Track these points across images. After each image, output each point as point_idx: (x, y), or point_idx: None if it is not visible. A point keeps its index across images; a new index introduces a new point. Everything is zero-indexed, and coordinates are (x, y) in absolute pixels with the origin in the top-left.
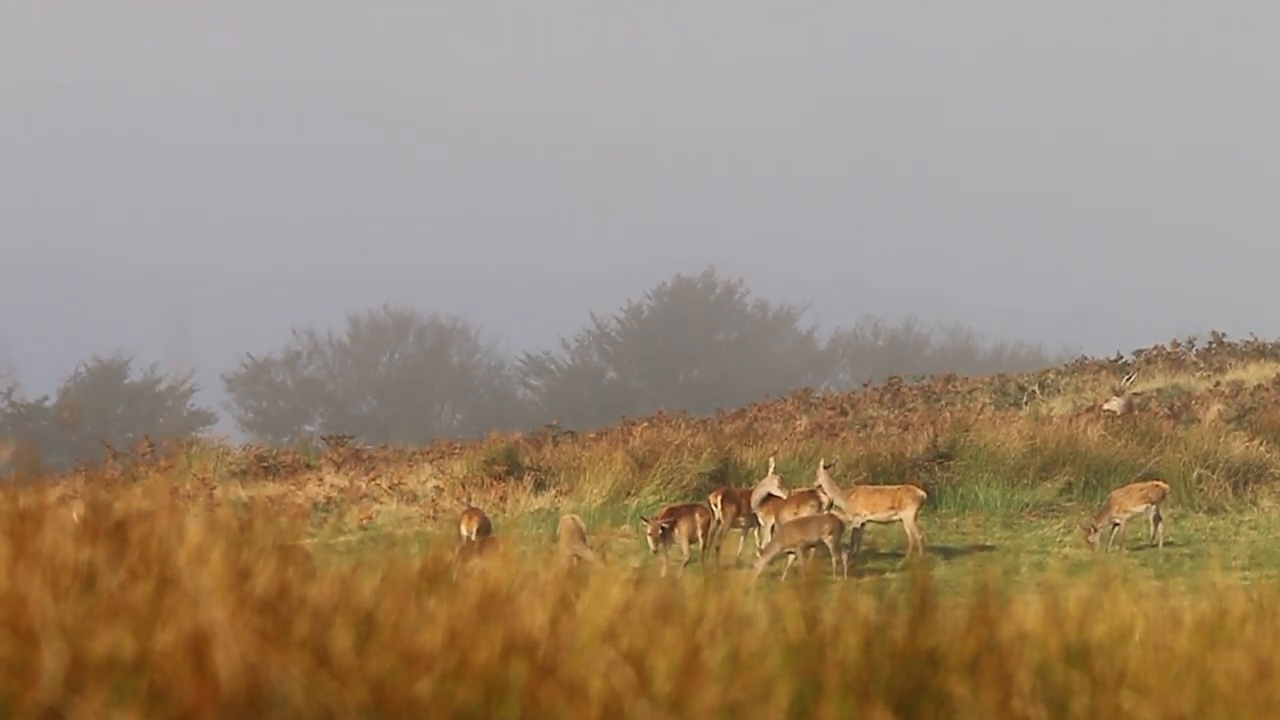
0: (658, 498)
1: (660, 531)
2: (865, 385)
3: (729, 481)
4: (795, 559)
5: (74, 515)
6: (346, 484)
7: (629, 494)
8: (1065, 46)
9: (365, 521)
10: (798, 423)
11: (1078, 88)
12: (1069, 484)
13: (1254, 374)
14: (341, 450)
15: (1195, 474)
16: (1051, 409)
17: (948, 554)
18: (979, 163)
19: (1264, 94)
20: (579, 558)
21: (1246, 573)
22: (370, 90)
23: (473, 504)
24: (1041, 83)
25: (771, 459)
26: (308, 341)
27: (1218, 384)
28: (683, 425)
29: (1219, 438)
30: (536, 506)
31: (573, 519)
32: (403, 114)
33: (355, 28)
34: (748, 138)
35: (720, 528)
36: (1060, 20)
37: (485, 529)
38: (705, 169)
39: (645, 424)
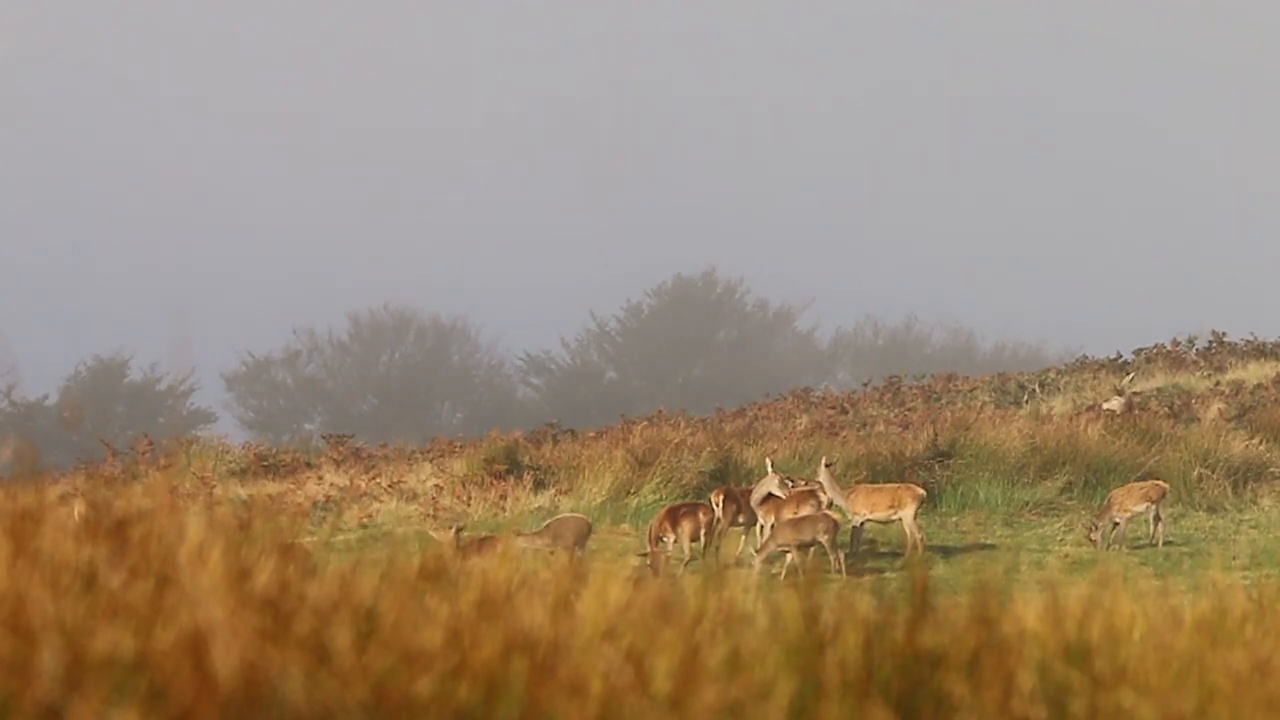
0: (658, 496)
1: (655, 563)
2: (865, 384)
3: (729, 480)
4: (793, 558)
5: (74, 514)
6: (346, 483)
7: (629, 493)
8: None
9: (365, 520)
10: (798, 422)
11: (1092, 79)
12: (1069, 483)
13: (1254, 373)
14: (341, 449)
15: (1195, 473)
16: (1052, 408)
17: (947, 553)
18: (979, 163)
19: (1241, 94)
20: (577, 555)
21: (1247, 572)
22: (367, 93)
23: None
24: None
25: (769, 458)
26: (308, 340)
27: (1218, 383)
28: (683, 424)
29: (1219, 437)
30: (536, 505)
31: (579, 518)
32: (401, 117)
33: (388, 35)
34: (746, 137)
35: (720, 526)
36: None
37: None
38: (708, 166)
39: (645, 423)
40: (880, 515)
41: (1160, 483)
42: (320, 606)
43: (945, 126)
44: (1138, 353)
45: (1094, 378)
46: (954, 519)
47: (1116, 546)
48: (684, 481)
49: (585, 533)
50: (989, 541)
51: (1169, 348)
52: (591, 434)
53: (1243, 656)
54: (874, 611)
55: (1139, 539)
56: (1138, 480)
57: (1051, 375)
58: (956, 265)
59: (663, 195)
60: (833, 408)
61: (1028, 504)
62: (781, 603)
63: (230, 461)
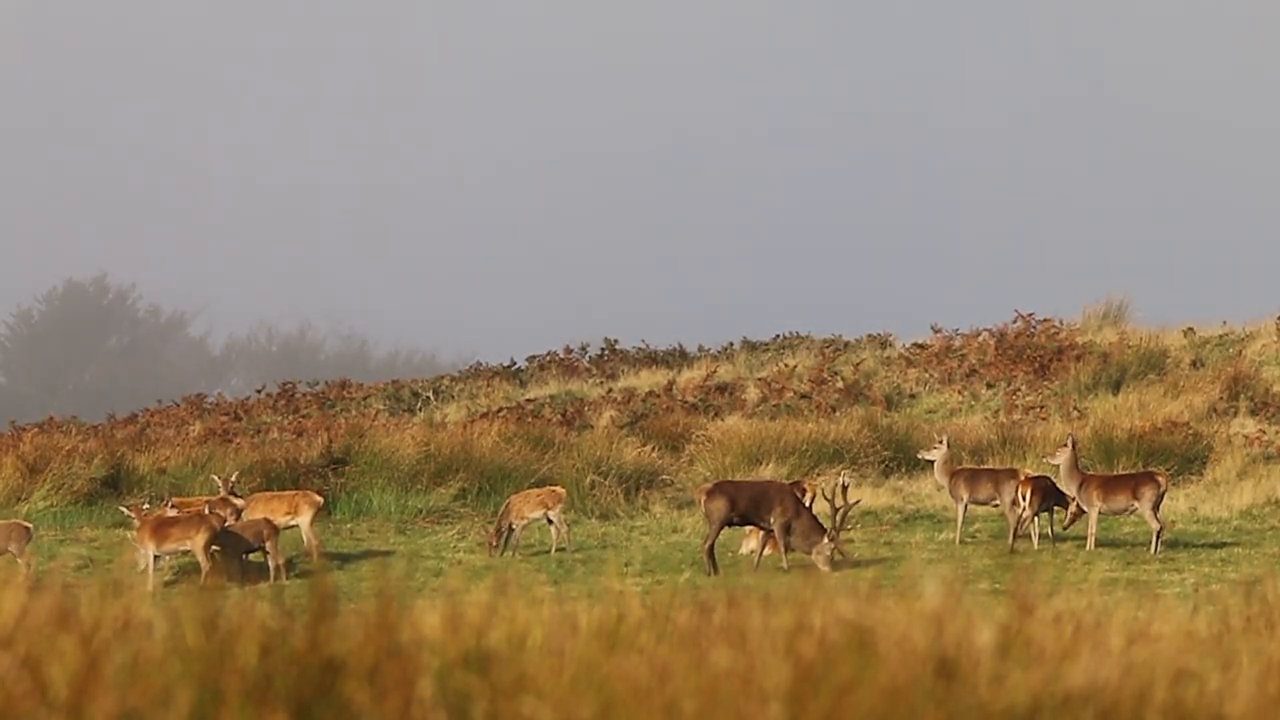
0: (49, 503)
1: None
2: (259, 391)
3: (121, 488)
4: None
5: None
6: None
7: (19, 499)
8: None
9: None
10: (191, 428)
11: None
12: (463, 490)
13: (646, 380)
14: None
15: (588, 480)
16: (446, 415)
17: (344, 560)
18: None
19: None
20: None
21: (640, 579)
22: None
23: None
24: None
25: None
26: None
27: (610, 390)
28: (74, 431)
29: (611, 444)
30: None
31: (11, 523)
32: None
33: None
34: (136, 145)
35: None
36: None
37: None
38: (99, 174)
39: (36, 430)
40: (282, 521)
41: (557, 489)
42: None
43: (297, 129)
44: (531, 359)
45: (488, 385)
46: (349, 526)
47: (511, 553)
48: (76, 489)
49: (22, 537)
50: (384, 549)
51: (562, 355)
52: None
53: (640, 663)
54: (274, 619)
55: (532, 545)
56: (533, 487)
57: (445, 382)
58: (350, 272)
59: (54, 198)
60: (226, 414)
61: (421, 511)
62: (181, 610)
63: None
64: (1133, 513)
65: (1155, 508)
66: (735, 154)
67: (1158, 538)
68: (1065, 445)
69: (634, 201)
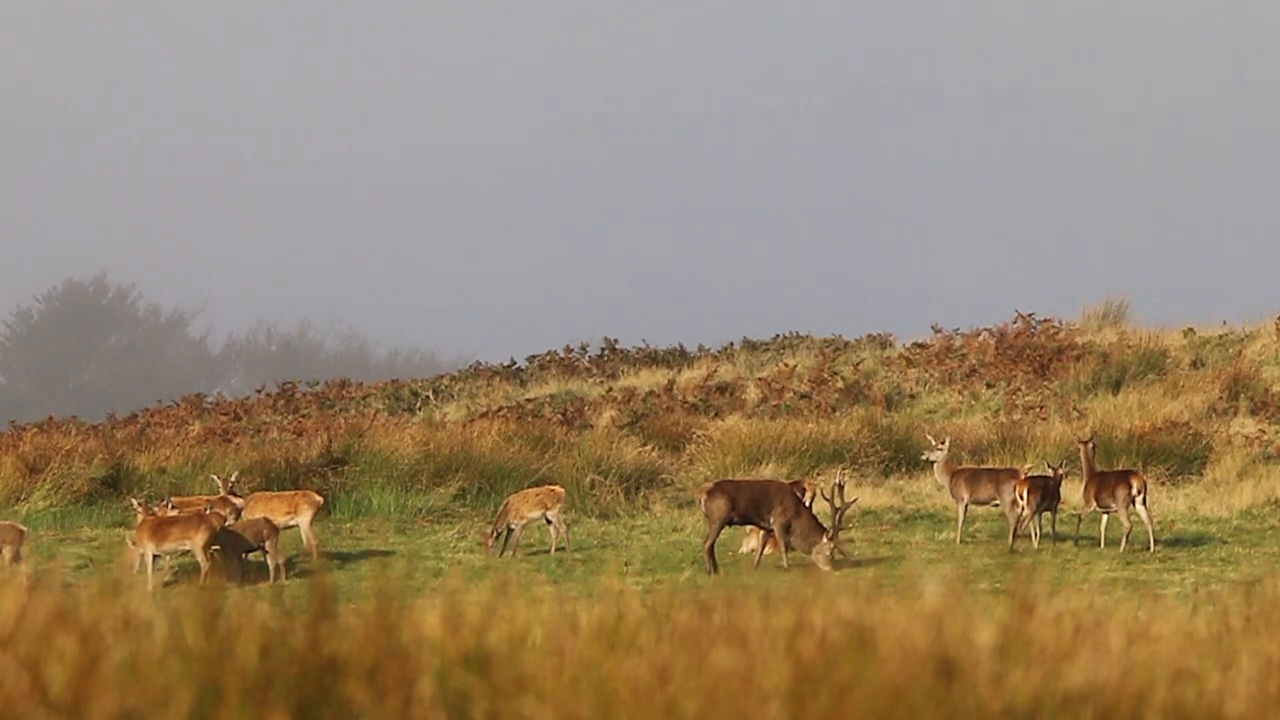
0: (49, 503)
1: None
2: (259, 391)
3: (121, 488)
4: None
5: None
6: None
7: (19, 499)
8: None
9: None
10: (191, 428)
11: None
12: (463, 489)
13: (646, 380)
14: None
15: (589, 479)
16: (446, 414)
17: (343, 560)
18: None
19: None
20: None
21: (640, 578)
22: None
23: None
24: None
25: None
26: None
27: (610, 390)
28: (74, 430)
29: (611, 443)
30: None
31: (11, 524)
32: None
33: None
34: (137, 141)
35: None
36: None
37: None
38: (93, 174)
39: (36, 429)
40: (280, 521)
41: (556, 488)
42: None
43: (318, 126)
44: (531, 359)
45: (488, 384)
46: (348, 525)
47: (510, 553)
48: (75, 488)
49: (16, 540)
50: (384, 548)
51: (562, 354)
52: None
53: (640, 662)
54: (274, 619)
55: (532, 545)
56: (532, 486)
57: (445, 382)
58: (350, 272)
59: (53, 197)
60: (226, 414)
61: (421, 511)
62: (180, 610)
63: None
64: (1114, 511)
65: (1139, 504)
66: (735, 154)
67: (1152, 535)
68: (1085, 443)
69: (635, 200)
